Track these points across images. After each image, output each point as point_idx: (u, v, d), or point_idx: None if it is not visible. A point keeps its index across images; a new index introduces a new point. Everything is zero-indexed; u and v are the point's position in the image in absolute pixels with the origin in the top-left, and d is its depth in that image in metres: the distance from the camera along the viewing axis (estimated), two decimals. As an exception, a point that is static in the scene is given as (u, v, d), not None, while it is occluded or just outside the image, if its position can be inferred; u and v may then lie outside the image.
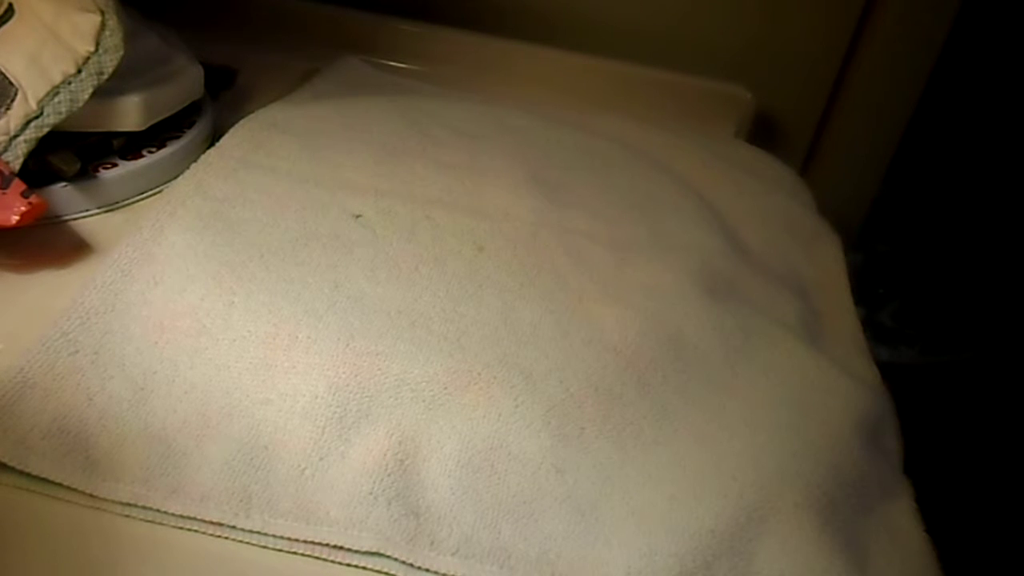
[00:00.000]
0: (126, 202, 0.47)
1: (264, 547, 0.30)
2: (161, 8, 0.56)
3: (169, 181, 0.48)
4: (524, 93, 0.69)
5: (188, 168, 0.47)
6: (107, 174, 0.45)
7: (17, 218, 0.38)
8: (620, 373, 0.39)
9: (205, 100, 0.55)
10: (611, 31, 0.75)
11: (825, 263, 0.54)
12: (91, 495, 0.30)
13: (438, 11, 0.73)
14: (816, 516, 0.34)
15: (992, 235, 1.12)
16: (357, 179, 0.50)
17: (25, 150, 0.41)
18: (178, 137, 0.50)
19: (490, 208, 0.50)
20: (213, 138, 0.51)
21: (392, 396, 0.35)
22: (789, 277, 0.51)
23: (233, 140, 0.50)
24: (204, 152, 0.48)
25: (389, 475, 0.32)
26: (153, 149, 0.48)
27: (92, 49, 0.43)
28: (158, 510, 0.30)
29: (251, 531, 0.30)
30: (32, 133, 0.41)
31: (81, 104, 0.42)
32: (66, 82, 0.42)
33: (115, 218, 0.45)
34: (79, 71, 0.42)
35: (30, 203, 0.39)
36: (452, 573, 0.30)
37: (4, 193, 0.39)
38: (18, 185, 0.39)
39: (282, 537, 0.30)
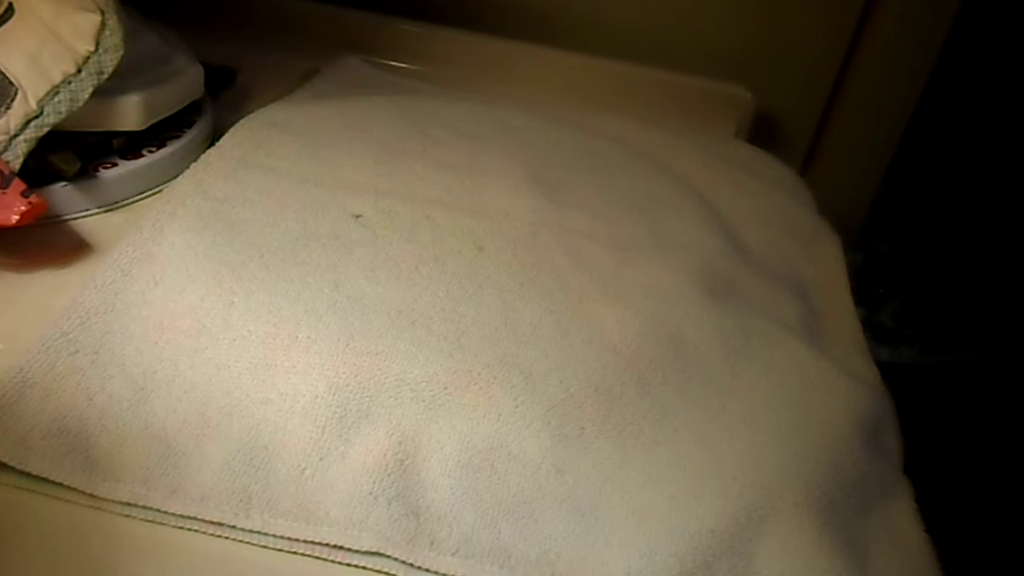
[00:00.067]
0: (126, 202, 0.47)
1: (264, 547, 0.30)
2: (161, 8, 0.56)
3: (169, 181, 0.48)
4: (524, 93, 0.69)
5: (188, 168, 0.47)
6: (107, 174, 0.45)
7: (17, 218, 0.38)
8: (620, 373, 0.39)
9: (205, 100, 0.55)
10: (611, 31, 0.75)
11: (825, 263, 0.54)
12: (91, 495, 0.30)
13: (438, 11, 0.73)
14: (816, 516, 0.34)
15: (992, 235, 1.12)
16: (357, 179, 0.50)
17: (25, 150, 0.41)
18: (178, 137, 0.50)
19: (490, 208, 0.50)
20: (213, 138, 0.51)
21: (392, 396, 0.35)
22: (789, 277, 0.51)
23: (233, 140, 0.50)
24: (204, 152, 0.48)
25: (389, 475, 0.32)
26: (153, 149, 0.48)
27: (92, 49, 0.43)
28: (158, 510, 0.30)
29: (251, 531, 0.30)
30: (32, 133, 0.41)
31: (81, 104, 0.42)
32: (66, 82, 0.42)
33: (115, 218, 0.45)
34: (79, 71, 0.42)
35: (30, 203, 0.38)
36: (452, 573, 0.30)
37: (4, 193, 0.39)
38: (18, 185, 0.39)
39: (282, 537, 0.30)
